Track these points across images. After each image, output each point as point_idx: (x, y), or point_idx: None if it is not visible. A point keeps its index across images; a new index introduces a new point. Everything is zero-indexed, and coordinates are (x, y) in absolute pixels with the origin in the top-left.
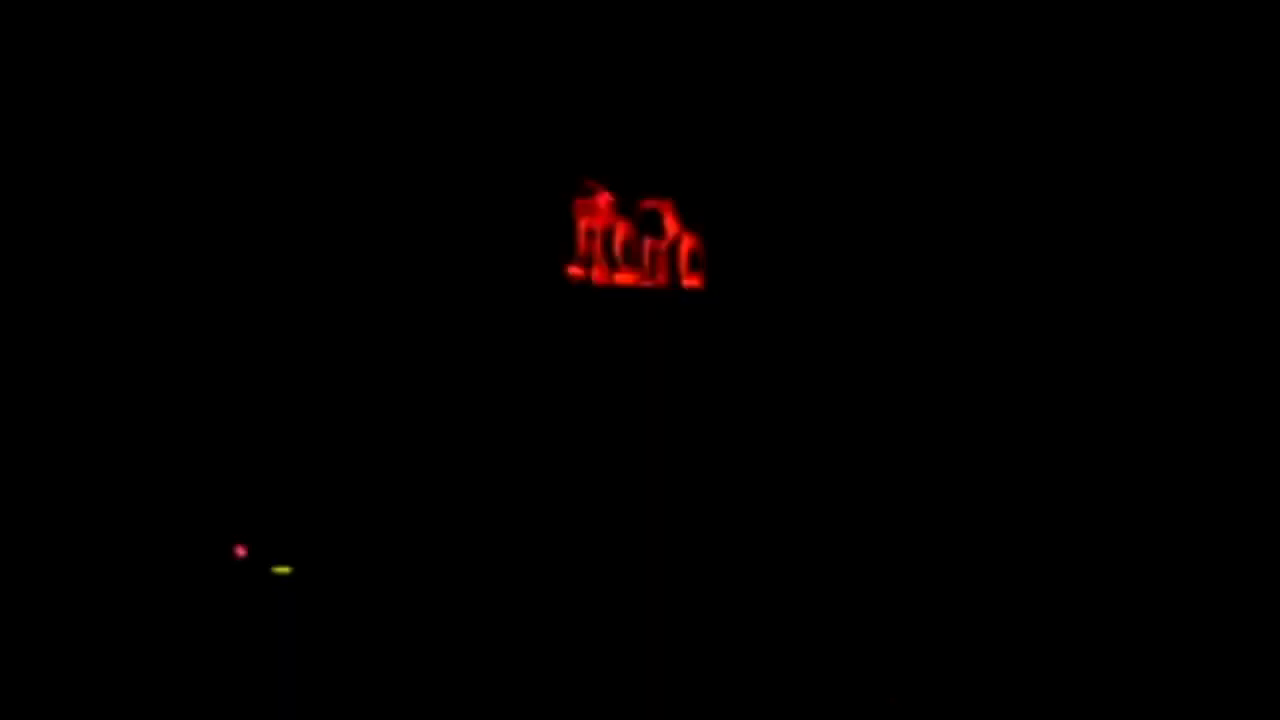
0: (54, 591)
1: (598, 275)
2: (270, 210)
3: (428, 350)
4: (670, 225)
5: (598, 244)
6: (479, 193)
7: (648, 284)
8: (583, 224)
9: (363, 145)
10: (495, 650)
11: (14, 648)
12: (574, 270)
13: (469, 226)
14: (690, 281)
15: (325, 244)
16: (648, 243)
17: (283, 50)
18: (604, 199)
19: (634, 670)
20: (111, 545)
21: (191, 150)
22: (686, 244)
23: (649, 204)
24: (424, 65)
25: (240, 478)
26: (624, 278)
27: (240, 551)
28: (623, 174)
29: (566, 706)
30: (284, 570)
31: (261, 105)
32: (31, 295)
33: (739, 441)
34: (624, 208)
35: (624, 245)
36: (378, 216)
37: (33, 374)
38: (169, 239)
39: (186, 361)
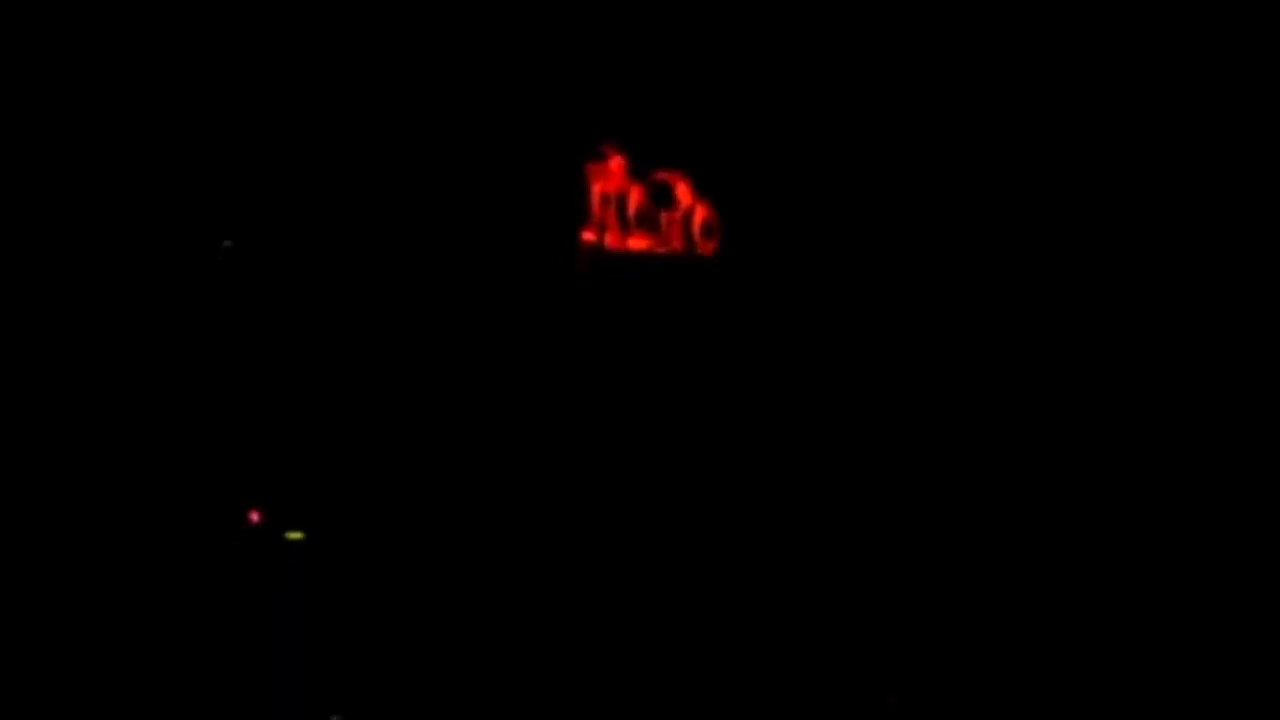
0: (70, 559)
1: (611, 240)
2: (287, 178)
3: (442, 314)
4: (683, 195)
5: (611, 209)
6: (493, 159)
7: (661, 250)
8: (596, 189)
9: (379, 111)
10: (504, 614)
11: (32, 610)
12: (587, 235)
13: (483, 192)
14: (704, 249)
15: (339, 208)
16: (664, 212)
17: (298, 18)
18: (616, 163)
19: (633, 649)
20: (128, 510)
21: (214, 116)
22: (700, 213)
23: (663, 175)
24: (441, 33)
25: (254, 445)
26: (637, 243)
27: (254, 517)
28: (639, 143)
29: (573, 658)
30: (296, 535)
31: (278, 74)
32: (66, 274)
33: (744, 410)
34: (638, 173)
35: (638, 210)
36: (393, 183)
37: (58, 346)
38: (184, 203)
39: (203, 329)
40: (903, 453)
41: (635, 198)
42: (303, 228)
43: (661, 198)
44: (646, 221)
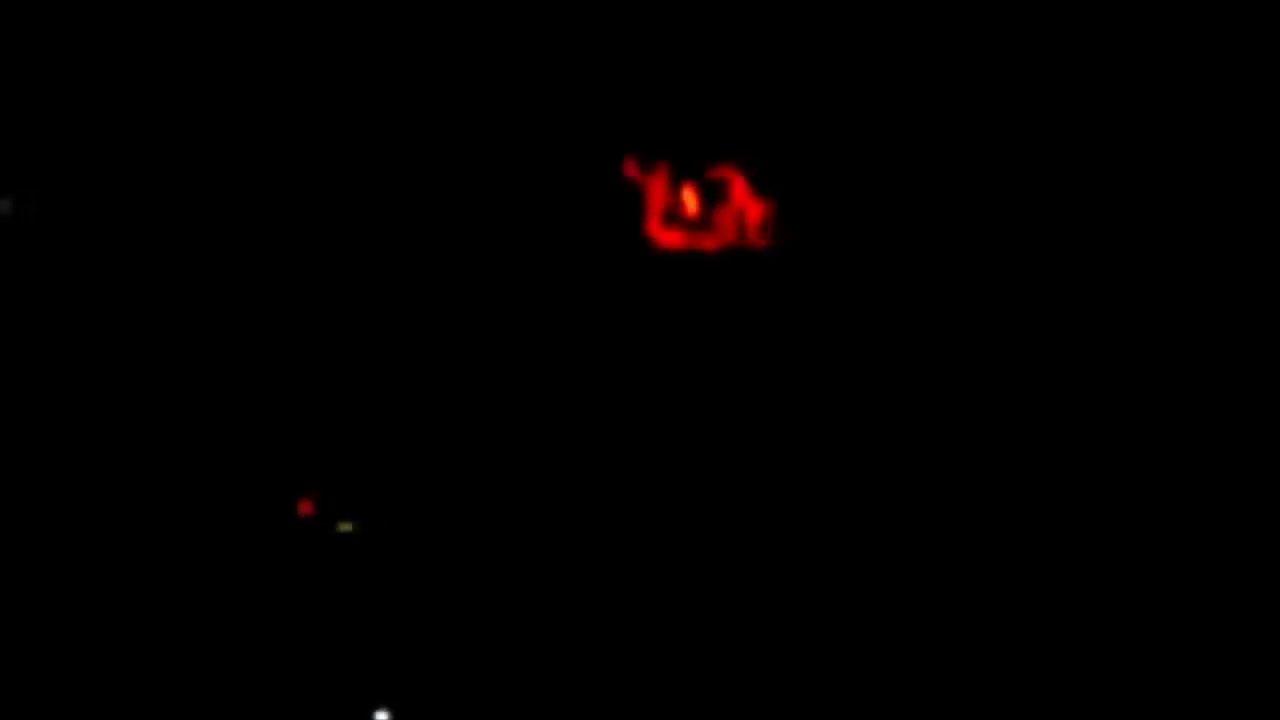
0: (117, 550)
1: (661, 236)
2: (352, 174)
3: (495, 312)
4: (738, 191)
5: (659, 204)
6: (549, 156)
7: (710, 246)
8: (647, 185)
9: (433, 107)
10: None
11: (75, 597)
12: (655, 231)
13: (539, 189)
14: (756, 244)
15: (398, 203)
16: (717, 207)
17: (368, 22)
18: (662, 162)
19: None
20: (175, 499)
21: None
22: (754, 209)
23: (717, 171)
24: (497, 26)
25: (308, 433)
26: (684, 239)
27: (305, 509)
28: (690, 137)
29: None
30: (347, 527)
31: (350, 74)
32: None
33: (791, 412)
34: (690, 171)
35: (687, 207)
36: (451, 179)
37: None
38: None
39: (255, 312)
40: (956, 450)
41: (683, 193)
42: (367, 224)
43: (717, 192)
44: (695, 217)
